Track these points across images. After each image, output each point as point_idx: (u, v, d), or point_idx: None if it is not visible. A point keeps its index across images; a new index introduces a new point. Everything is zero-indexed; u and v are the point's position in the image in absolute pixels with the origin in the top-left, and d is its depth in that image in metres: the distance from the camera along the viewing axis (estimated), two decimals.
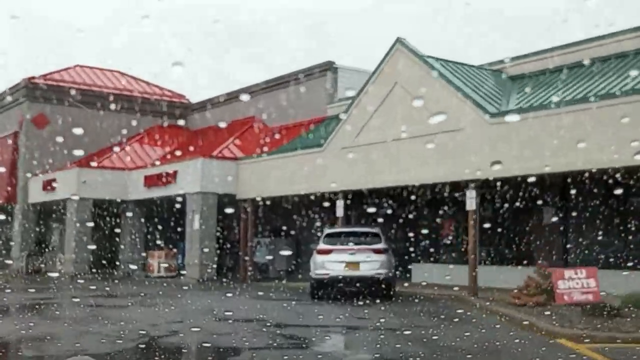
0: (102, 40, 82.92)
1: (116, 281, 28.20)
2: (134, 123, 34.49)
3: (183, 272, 27.68)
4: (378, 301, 16.21)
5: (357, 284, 16.90)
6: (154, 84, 39.41)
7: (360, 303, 15.92)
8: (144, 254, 30.00)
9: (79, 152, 30.82)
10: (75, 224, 28.86)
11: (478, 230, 17.88)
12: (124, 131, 33.56)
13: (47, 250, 32.72)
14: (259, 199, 25.39)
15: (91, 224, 29.06)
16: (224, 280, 26.27)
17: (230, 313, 14.26)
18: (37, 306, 16.12)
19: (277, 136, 28.15)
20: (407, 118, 19.09)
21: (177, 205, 27.67)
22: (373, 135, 20.73)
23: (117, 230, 30.62)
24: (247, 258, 26.28)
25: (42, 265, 32.41)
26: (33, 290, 22.27)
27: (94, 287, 22.81)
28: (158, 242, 29.56)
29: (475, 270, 17.15)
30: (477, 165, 16.51)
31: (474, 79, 20.22)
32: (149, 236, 30.53)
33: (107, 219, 29.78)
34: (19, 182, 33.74)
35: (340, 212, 22.08)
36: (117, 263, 31.05)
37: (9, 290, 22.38)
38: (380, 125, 20.56)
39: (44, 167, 32.19)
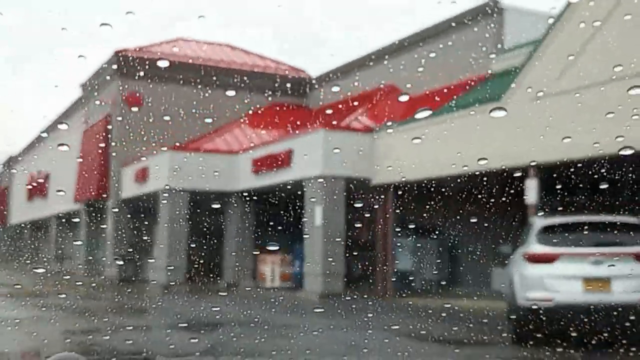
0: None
1: (221, 294, 21.96)
2: (245, 101, 28.32)
3: (299, 281, 21.09)
4: None
5: (606, 318, 9.28)
6: (269, 57, 33.24)
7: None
8: (252, 259, 23.67)
9: (177, 136, 25.06)
10: (168, 222, 22.92)
11: None
12: (234, 110, 27.52)
13: (140, 254, 27.09)
14: (402, 183, 18.25)
15: (188, 222, 23.04)
16: (355, 294, 19.34)
17: None
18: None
19: (421, 104, 20.86)
20: None
21: (294, 196, 21.07)
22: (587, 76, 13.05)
23: (220, 230, 24.46)
24: (387, 265, 19.23)
25: (138, 271, 26.86)
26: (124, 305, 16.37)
27: (197, 304, 16.72)
28: (270, 244, 23.00)
29: None
30: None
31: None
32: (258, 237, 24.06)
33: (208, 215, 23.63)
34: (111, 174, 28.45)
35: (532, 196, 14.48)
36: (220, 269, 24.83)
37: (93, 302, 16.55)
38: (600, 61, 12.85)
39: (138, 155, 26.58)
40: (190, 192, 23.05)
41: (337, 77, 29.20)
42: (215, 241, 24.42)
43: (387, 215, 19.20)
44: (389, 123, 19.80)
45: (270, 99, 29.73)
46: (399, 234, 20.21)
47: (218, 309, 15.97)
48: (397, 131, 19.03)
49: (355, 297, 18.72)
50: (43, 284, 24.09)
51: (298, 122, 28.36)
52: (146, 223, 26.42)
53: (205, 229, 23.76)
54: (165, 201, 23.15)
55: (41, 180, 43.17)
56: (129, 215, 27.79)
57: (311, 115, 29.00)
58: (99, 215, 30.19)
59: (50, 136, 41.78)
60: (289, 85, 31.02)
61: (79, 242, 32.41)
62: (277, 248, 22.78)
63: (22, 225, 51.49)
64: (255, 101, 29.14)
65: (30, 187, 47.00)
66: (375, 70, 25.82)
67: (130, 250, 27.28)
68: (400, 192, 18.93)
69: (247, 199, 23.79)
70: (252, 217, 24.10)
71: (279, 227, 22.75)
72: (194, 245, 23.16)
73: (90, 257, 31.32)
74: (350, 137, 19.98)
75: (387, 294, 19.10)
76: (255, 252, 23.65)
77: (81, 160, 31.59)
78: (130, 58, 27.26)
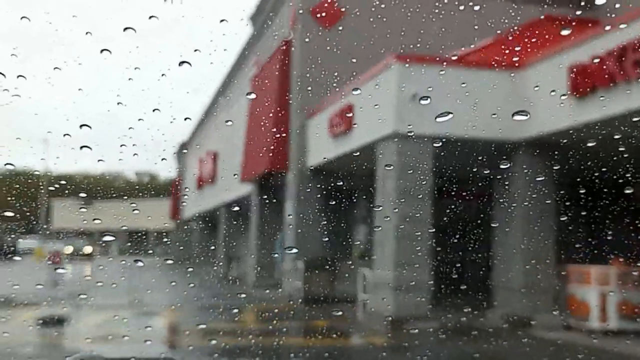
0: None
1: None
2: (503, 16, 16.77)
3: None
4: None
5: None
6: None
7: None
8: (552, 275, 12.11)
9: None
10: (395, 198, 12.02)
11: None
12: (483, 26, 16.14)
13: (339, 254, 16.61)
14: None
15: (432, 201, 11.97)
16: None
17: None
18: None
19: None
20: None
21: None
22: None
23: (486, 213, 13.19)
24: None
25: (334, 283, 16.40)
26: None
27: None
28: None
29: None
30: None
31: None
32: (566, 224, 12.45)
33: (468, 187, 12.48)
34: (291, 133, 18.19)
35: None
36: (486, 283, 13.46)
37: None
38: None
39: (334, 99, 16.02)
40: (442, 139, 11.86)
41: None
42: (475, 238, 13.17)
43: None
44: None
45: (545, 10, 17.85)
46: None
47: None
48: None
49: None
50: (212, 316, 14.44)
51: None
52: (350, 203, 15.79)
53: (460, 215, 12.59)
54: (388, 160, 12.24)
55: (209, 164, 34.57)
56: (319, 193, 17.38)
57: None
58: (274, 197, 20.15)
59: (221, 103, 33.01)
60: None
61: (249, 238, 22.70)
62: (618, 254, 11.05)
63: (193, 219, 43.75)
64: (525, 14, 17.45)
65: (198, 173, 38.89)
66: None
67: (325, 246, 16.89)
68: None
69: (548, 153, 12.18)
70: (560, 189, 12.40)
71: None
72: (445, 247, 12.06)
73: (265, 257, 21.43)
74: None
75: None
76: (561, 258, 12.09)
77: (249, 120, 21.80)
78: None
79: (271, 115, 18.83)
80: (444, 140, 11.79)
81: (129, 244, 69.65)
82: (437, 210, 12.25)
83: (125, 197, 66.80)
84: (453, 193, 14.12)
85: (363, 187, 16.88)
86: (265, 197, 21.21)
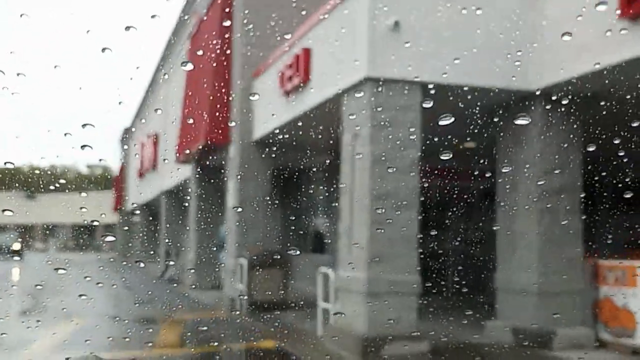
0: None
1: None
2: None
3: None
4: None
5: None
6: None
7: None
8: (580, 269, 8.89)
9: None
10: (376, 168, 8.58)
11: None
12: None
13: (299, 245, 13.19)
14: None
15: (418, 169, 8.56)
16: None
17: None
18: None
19: None
20: None
21: None
22: None
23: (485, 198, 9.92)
24: None
25: (286, 286, 12.90)
26: None
27: None
28: None
29: None
30: None
31: None
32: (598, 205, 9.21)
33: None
34: (234, 94, 14.53)
35: None
36: (488, 285, 10.11)
37: None
38: None
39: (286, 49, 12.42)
40: (432, 87, 8.43)
41: None
42: (474, 225, 9.82)
43: None
44: None
45: None
46: None
47: None
48: None
49: None
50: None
51: None
52: (307, 182, 12.39)
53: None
54: (358, 120, 8.76)
55: (149, 148, 30.64)
56: (268, 171, 13.84)
57: None
58: (215, 180, 16.56)
59: (159, 79, 29.13)
60: None
61: (188, 230, 19.04)
62: None
63: (136, 210, 39.71)
64: None
65: (139, 159, 34.91)
66: None
67: (276, 238, 13.44)
68: None
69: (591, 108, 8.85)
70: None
71: None
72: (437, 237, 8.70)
73: (205, 252, 17.82)
74: None
75: None
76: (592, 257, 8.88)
77: (186, 91, 18.08)
78: None
79: (209, 80, 15.19)
80: (434, 89, 8.41)
81: (74, 238, 65.28)
82: (426, 187, 8.86)
83: (71, 190, 62.58)
84: (445, 164, 10.75)
85: (324, 161, 13.42)
86: (205, 180, 17.58)
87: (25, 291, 16.42)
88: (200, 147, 15.39)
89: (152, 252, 33.36)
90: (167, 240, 25.25)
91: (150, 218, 36.20)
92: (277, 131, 12.44)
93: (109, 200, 49.25)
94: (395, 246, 8.48)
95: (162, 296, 16.00)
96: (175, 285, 18.88)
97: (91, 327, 10.61)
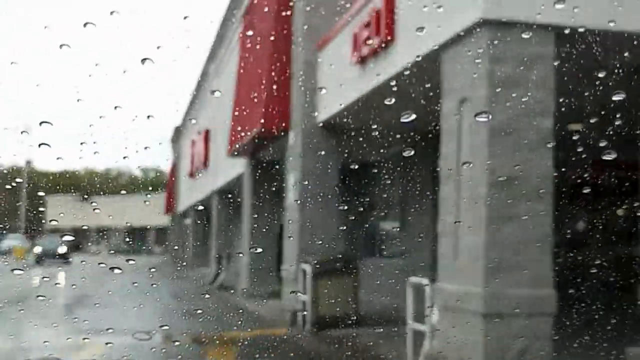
0: None
1: None
2: None
3: None
4: None
5: None
6: None
7: None
8: None
9: None
10: (497, 148, 6.35)
11: None
12: None
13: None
14: None
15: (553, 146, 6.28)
16: None
17: None
18: None
19: None
20: None
21: None
22: None
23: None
24: None
25: (356, 299, 10.67)
26: None
27: None
28: None
29: None
30: None
31: None
32: None
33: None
34: (294, 72, 12.39)
35: None
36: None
37: None
38: None
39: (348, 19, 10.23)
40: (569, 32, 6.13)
41: None
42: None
43: None
44: None
45: None
46: None
47: None
48: None
49: None
50: None
51: None
52: (388, 173, 10.22)
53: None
54: (464, 80, 6.52)
55: (200, 146, 28.87)
56: (336, 161, 11.64)
57: None
58: (272, 173, 14.50)
59: (210, 71, 27.38)
60: None
61: (242, 232, 17.04)
62: None
63: (188, 211, 38.16)
64: None
65: (190, 158, 33.29)
66: None
67: (348, 241, 11.28)
68: None
69: None
70: None
71: None
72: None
73: (262, 256, 15.76)
74: None
75: None
76: None
77: (239, 75, 16.06)
78: None
79: (265, 59, 13.11)
80: (572, 35, 6.10)
81: (126, 242, 64.69)
82: (563, 172, 6.54)
83: (124, 193, 62.07)
84: (590, 145, 8.35)
85: (406, 145, 11.13)
86: (260, 175, 15.54)
87: (61, 302, 14.66)
88: (255, 136, 13.33)
89: (203, 256, 31.64)
90: (219, 243, 23.39)
91: (202, 219, 34.57)
92: (348, 111, 10.25)
93: (161, 203, 48.19)
94: (523, 250, 6.19)
95: (213, 306, 13.99)
96: (227, 292, 16.90)
97: (131, 345, 8.67)
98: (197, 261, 32.36)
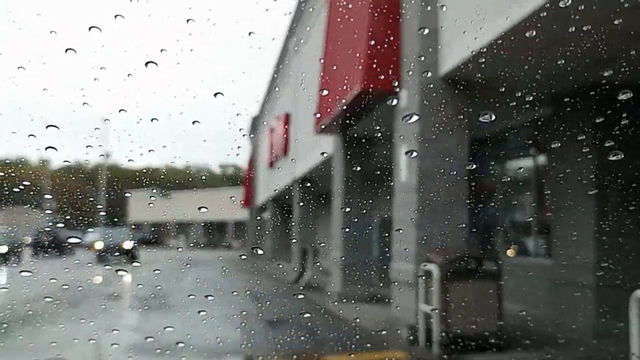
0: None
1: None
2: None
3: None
4: None
5: None
6: None
7: None
8: None
9: None
10: None
11: None
12: None
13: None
14: None
15: None
16: None
17: None
18: None
19: None
20: None
21: None
22: None
23: None
24: None
25: (500, 309, 7.78)
26: None
27: None
28: None
29: None
30: None
31: None
32: None
33: None
34: (404, 23, 9.58)
35: None
36: None
37: None
38: None
39: None
40: None
41: None
42: None
43: None
44: None
45: None
46: None
47: None
48: None
49: None
50: None
51: None
52: (541, 144, 7.23)
53: None
54: None
55: (279, 132, 26.40)
56: (464, 131, 8.75)
57: None
58: (370, 150, 11.73)
59: (290, 49, 24.89)
60: None
61: (330, 223, 14.33)
62: None
63: (267, 204, 35.93)
64: None
65: (268, 146, 30.94)
66: None
67: (483, 236, 8.41)
68: None
69: None
70: None
71: None
72: None
73: (357, 253, 13.03)
74: None
75: None
76: None
77: (328, 35, 13.33)
78: None
79: (364, 3, 10.33)
80: None
81: (205, 235, 63.66)
82: None
83: (203, 188, 61.16)
84: None
85: (571, 101, 8.08)
86: (353, 153, 12.79)
87: (123, 305, 12.41)
88: (352, 102, 10.56)
89: (283, 250, 29.28)
90: (301, 236, 20.85)
91: (282, 211, 32.25)
92: (483, 57, 7.33)
93: (239, 197, 46.79)
94: None
95: (298, 313, 11.33)
96: (315, 294, 14.27)
97: None
98: (276, 255, 30.06)
